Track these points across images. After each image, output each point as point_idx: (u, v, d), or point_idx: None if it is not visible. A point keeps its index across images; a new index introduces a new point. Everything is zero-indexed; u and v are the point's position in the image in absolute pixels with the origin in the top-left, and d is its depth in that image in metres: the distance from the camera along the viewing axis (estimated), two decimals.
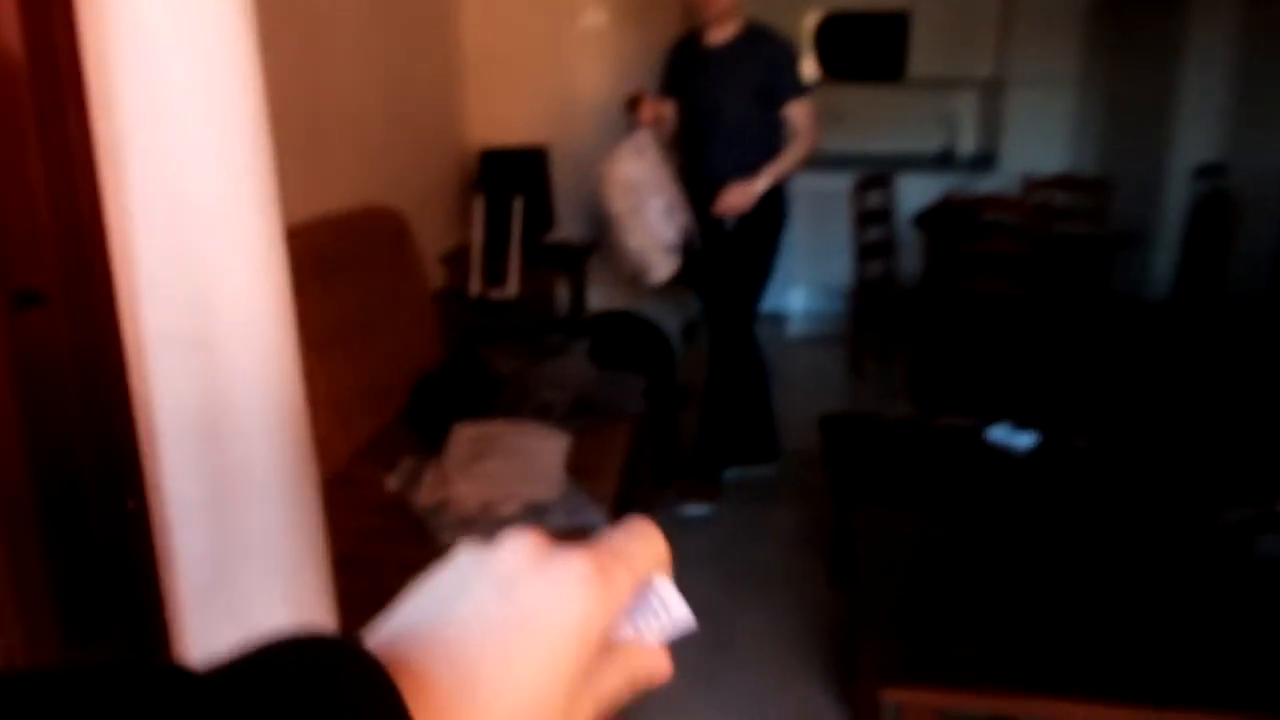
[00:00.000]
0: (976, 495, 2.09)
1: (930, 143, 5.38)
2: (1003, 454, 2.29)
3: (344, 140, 2.64)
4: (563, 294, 3.64)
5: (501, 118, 3.85)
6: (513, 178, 3.45)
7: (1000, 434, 2.37)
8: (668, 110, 2.82)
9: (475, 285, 3.22)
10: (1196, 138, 4.03)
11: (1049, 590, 1.65)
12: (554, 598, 0.29)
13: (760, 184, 2.68)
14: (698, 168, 2.81)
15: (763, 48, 2.69)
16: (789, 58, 2.71)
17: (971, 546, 1.81)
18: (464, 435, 2.01)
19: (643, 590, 0.31)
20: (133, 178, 0.53)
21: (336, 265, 2.27)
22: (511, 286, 3.21)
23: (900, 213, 4.45)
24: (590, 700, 0.30)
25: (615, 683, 0.31)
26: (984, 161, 5.19)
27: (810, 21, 5.11)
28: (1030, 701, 1.39)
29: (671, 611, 0.31)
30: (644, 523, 0.33)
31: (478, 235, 3.29)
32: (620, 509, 2.12)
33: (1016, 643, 1.51)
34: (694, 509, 2.86)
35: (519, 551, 0.30)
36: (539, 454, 1.95)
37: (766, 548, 2.71)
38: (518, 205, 3.30)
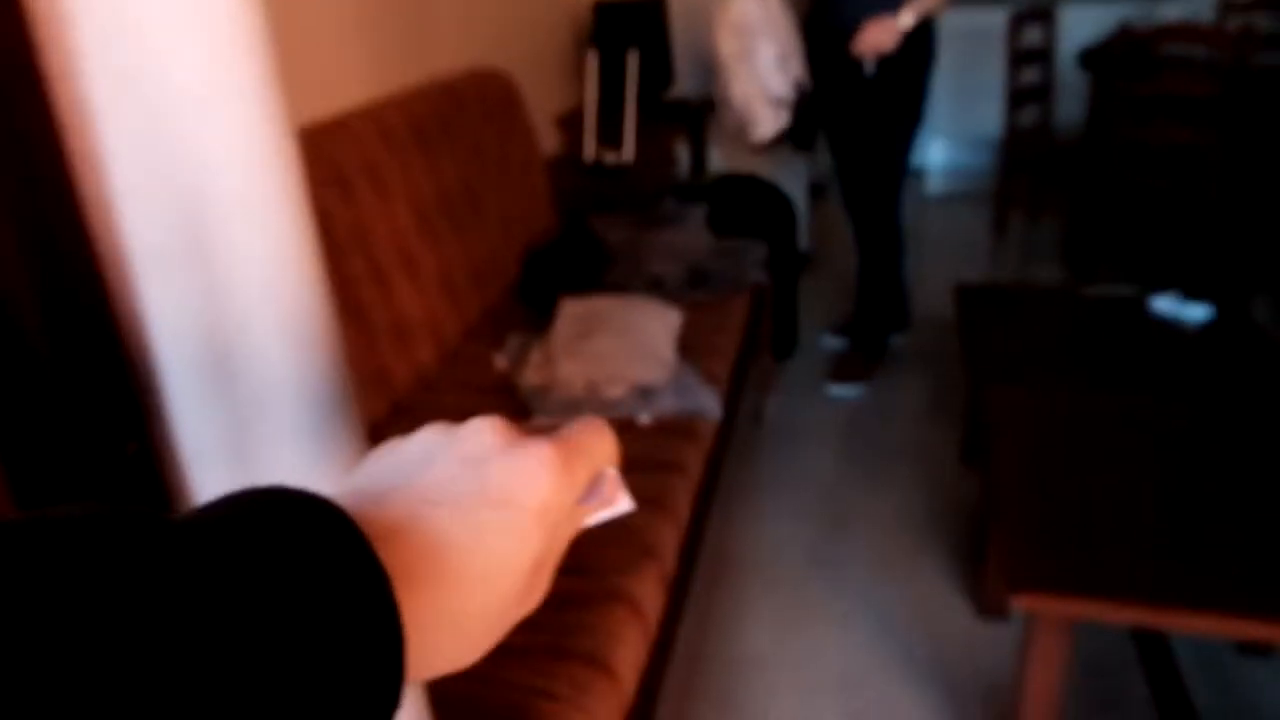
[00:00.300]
0: (1134, 376, 1.87)
1: None
2: (1169, 328, 2.04)
3: (450, 2, 2.51)
4: (682, 157, 3.46)
5: None
6: (628, 31, 3.23)
7: (1167, 305, 2.10)
8: None
9: (589, 149, 3.09)
10: None
11: (1212, 490, 1.47)
12: (520, 477, 0.30)
13: (906, 18, 2.36)
14: (829, 7, 2.52)
15: None
16: None
17: (1123, 435, 1.63)
18: (570, 311, 1.95)
19: (596, 481, 0.34)
20: (89, 63, 0.45)
21: (441, 134, 2.19)
22: (627, 150, 3.06)
23: (1062, 51, 3.94)
24: (549, 571, 0.32)
25: (568, 537, 0.33)
26: None
27: None
28: (1179, 615, 1.25)
29: (616, 501, 0.34)
30: (598, 421, 0.35)
31: (591, 95, 3.12)
32: (735, 388, 2.03)
33: (1168, 548, 1.35)
34: (842, 389, 2.74)
35: (487, 433, 0.31)
36: (649, 331, 1.87)
37: (894, 422, 2.58)
38: (632, 60, 3.10)
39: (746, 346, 2.24)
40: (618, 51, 3.15)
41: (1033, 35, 3.71)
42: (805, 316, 3.07)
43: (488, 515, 0.29)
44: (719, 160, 3.55)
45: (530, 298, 2.23)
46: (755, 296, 2.41)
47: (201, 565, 0.22)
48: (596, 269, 2.25)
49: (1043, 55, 3.75)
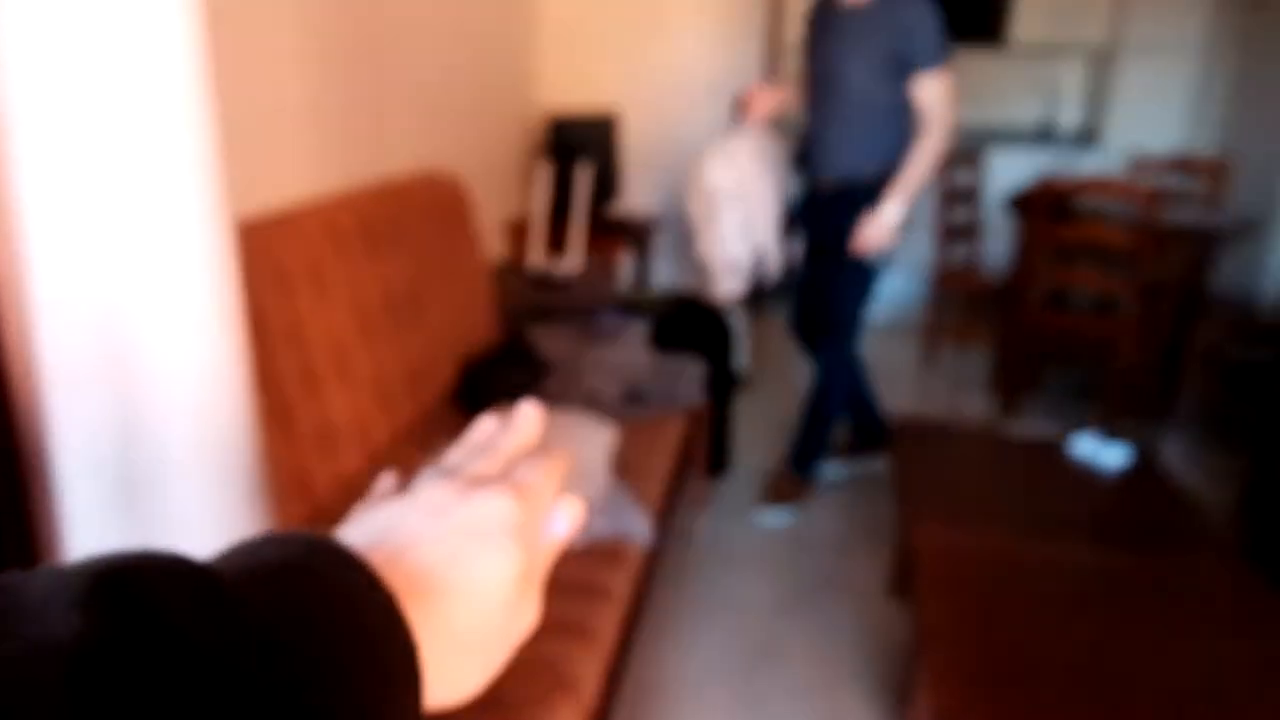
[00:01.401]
0: (1057, 519, 1.91)
1: (1027, 114, 5.04)
2: (1088, 472, 2.10)
3: (406, 103, 2.56)
4: (627, 270, 3.52)
5: (573, 82, 3.71)
6: (580, 144, 3.33)
7: (1087, 447, 2.17)
8: (785, 96, 2.59)
9: (536, 258, 3.13)
10: None
11: (1136, 641, 1.49)
12: (484, 509, 0.33)
13: (893, 212, 2.36)
14: (811, 155, 2.56)
15: (899, 7, 2.31)
16: (928, 19, 2.30)
17: (1049, 582, 1.65)
18: None
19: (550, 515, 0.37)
20: (14, 170, 0.43)
21: (388, 236, 2.19)
22: (573, 261, 3.10)
23: (990, 191, 4.17)
24: (536, 587, 0.35)
25: (548, 557, 0.36)
26: (1086, 137, 4.84)
27: None
28: None
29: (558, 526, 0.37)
30: (544, 461, 0.37)
31: (541, 205, 3.18)
32: (668, 510, 2.01)
33: (1094, 701, 1.35)
34: (774, 517, 2.72)
35: (441, 489, 0.34)
36: (582, 449, 1.85)
37: (824, 549, 2.58)
38: (583, 174, 3.18)
39: (681, 467, 2.23)
40: (569, 163, 3.23)
41: (963, 176, 3.93)
42: (740, 436, 3.09)
43: (463, 541, 0.32)
44: (664, 274, 3.62)
45: (469, 406, 2.20)
46: (692, 416, 2.42)
47: (260, 610, 0.24)
48: (533, 381, 2.24)
49: (971, 196, 3.97)
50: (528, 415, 0.40)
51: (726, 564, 2.48)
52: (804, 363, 3.82)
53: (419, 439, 2.04)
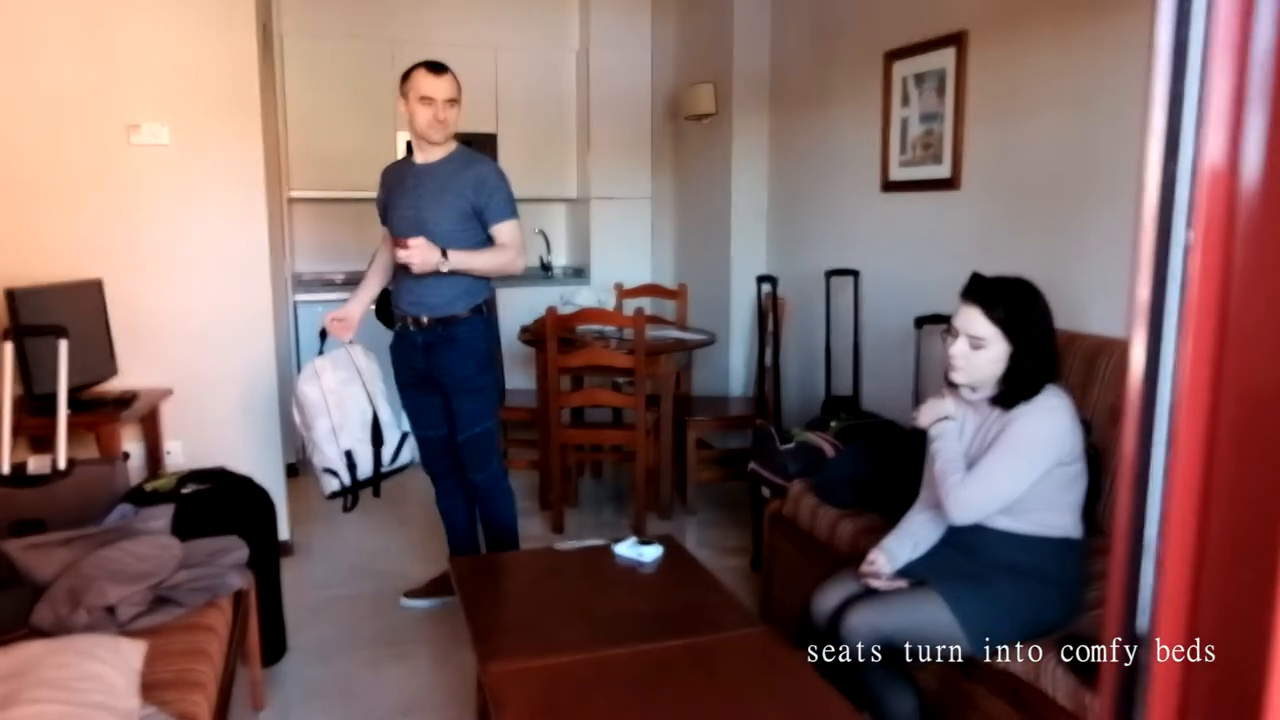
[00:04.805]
0: (615, 618, 2.06)
1: (528, 257, 5.60)
2: (633, 571, 2.32)
3: None
4: (136, 454, 3.09)
5: (39, 250, 3.21)
6: (55, 317, 2.87)
7: (628, 551, 2.40)
8: (361, 308, 2.85)
9: (5, 457, 2.59)
10: (749, 248, 4.65)
11: (698, 714, 1.65)
12: None
13: (450, 258, 2.60)
14: (400, 298, 2.79)
15: (471, 165, 2.70)
16: (496, 174, 2.72)
17: (615, 679, 1.77)
18: None
19: None
20: None
21: None
22: (59, 453, 2.62)
23: (503, 324, 4.50)
24: None
25: None
26: (576, 273, 5.56)
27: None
28: None
29: None
30: None
31: (6, 393, 2.66)
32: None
33: None
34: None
35: None
36: (98, 681, 1.55)
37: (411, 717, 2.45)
38: (62, 350, 2.74)
39: (231, 666, 1.98)
40: (42, 340, 2.77)
41: None
42: (291, 612, 2.84)
43: None
44: (182, 454, 3.24)
45: None
46: (237, 604, 2.17)
47: None
48: (17, 611, 1.83)
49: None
50: None
51: None
52: (351, 521, 3.68)
53: None
